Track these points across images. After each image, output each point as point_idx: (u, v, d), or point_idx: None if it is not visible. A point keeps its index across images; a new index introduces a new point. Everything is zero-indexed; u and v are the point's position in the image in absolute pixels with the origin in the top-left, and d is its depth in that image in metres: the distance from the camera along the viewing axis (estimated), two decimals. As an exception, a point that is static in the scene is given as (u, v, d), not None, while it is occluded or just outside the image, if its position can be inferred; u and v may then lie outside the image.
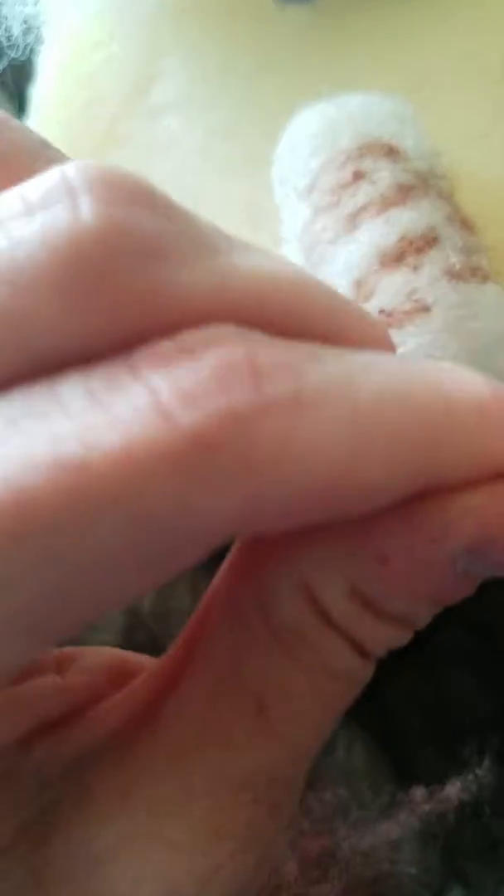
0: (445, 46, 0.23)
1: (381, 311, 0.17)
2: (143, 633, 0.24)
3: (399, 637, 0.12)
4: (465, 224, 0.18)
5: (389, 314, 0.17)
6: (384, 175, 0.18)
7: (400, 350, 0.17)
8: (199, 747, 0.11)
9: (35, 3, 0.23)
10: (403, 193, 0.18)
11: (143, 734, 0.11)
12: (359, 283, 0.18)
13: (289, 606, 0.10)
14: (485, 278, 0.17)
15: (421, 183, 0.18)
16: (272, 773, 0.11)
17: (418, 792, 0.21)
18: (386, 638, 0.11)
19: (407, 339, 0.17)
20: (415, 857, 0.22)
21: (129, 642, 0.24)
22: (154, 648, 0.13)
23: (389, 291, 0.17)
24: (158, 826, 0.11)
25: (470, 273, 0.17)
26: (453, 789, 0.21)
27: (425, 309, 0.17)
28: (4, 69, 0.23)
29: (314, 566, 0.10)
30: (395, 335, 0.17)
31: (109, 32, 0.25)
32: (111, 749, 0.11)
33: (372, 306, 0.17)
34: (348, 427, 0.09)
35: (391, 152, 0.18)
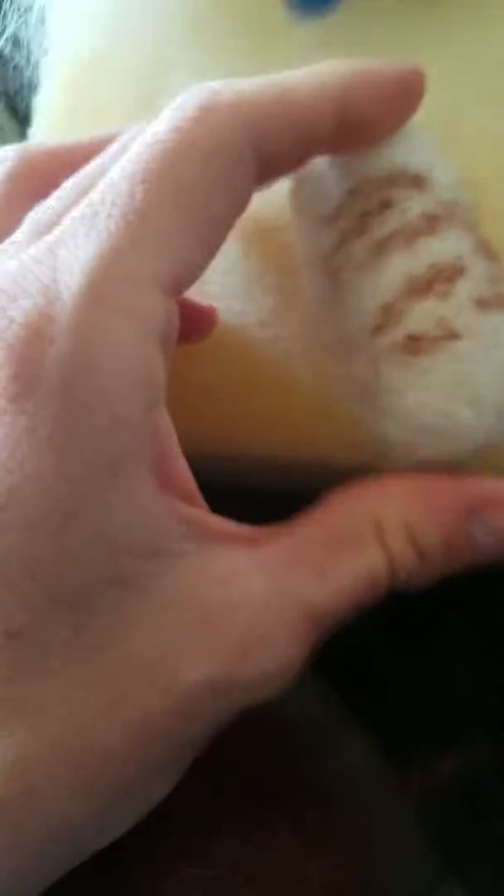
0: (459, 62, 0.23)
1: (410, 338, 0.17)
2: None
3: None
4: (490, 254, 0.18)
5: (418, 339, 0.17)
6: (412, 205, 0.18)
7: (427, 376, 0.17)
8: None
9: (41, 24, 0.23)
10: (431, 223, 0.18)
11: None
12: (386, 309, 0.18)
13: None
14: None
15: (447, 213, 0.18)
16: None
17: (415, 770, 0.22)
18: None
19: (437, 366, 0.17)
20: (414, 854, 0.23)
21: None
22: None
23: (418, 318, 0.17)
24: None
25: (496, 302, 0.17)
26: (444, 767, 0.22)
27: (454, 336, 0.17)
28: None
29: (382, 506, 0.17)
30: (425, 361, 0.17)
31: (115, 46, 0.25)
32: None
33: (400, 332, 0.17)
34: None
35: (418, 182, 0.18)
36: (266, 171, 0.17)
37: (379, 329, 0.18)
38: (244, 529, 0.17)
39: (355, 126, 0.17)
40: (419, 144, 0.19)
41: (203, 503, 0.17)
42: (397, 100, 0.18)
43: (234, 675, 0.15)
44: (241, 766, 0.23)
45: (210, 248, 0.16)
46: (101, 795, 0.14)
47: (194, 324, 0.21)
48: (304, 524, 0.17)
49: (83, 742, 0.14)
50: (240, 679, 0.15)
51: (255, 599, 0.16)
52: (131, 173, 0.15)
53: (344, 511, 0.17)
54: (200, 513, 0.16)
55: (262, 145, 0.16)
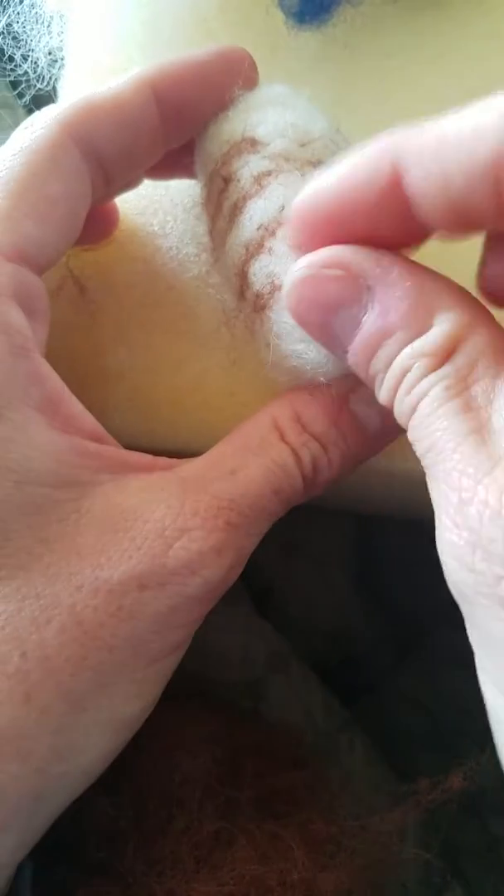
0: (454, 74, 0.23)
1: (257, 296, 0.19)
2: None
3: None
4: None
5: (260, 296, 0.19)
6: (244, 171, 0.19)
7: (274, 327, 0.19)
8: None
9: (60, 35, 0.24)
10: (259, 183, 0.19)
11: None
12: (239, 275, 0.20)
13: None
14: None
15: (276, 166, 0.19)
16: None
17: (423, 782, 0.22)
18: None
19: (276, 317, 0.18)
20: (416, 856, 0.23)
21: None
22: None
23: (256, 278, 0.19)
24: None
25: None
26: (456, 778, 0.21)
27: (281, 287, 0.18)
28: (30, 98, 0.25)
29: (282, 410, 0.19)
30: (270, 314, 0.19)
31: (128, 58, 0.26)
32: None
33: (251, 294, 0.19)
34: None
35: (253, 144, 0.19)
36: (105, 158, 0.20)
37: (241, 295, 0.20)
38: (160, 459, 0.19)
39: (177, 106, 0.20)
40: (252, 106, 0.20)
41: (113, 441, 0.19)
42: (214, 76, 0.20)
43: (160, 567, 0.16)
44: (250, 776, 0.23)
45: (52, 222, 0.19)
46: (46, 703, 0.15)
47: (99, 226, 0.24)
48: (216, 446, 0.19)
49: (20, 650, 0.15)
50: (166, 570, 0.16)
51: (171, 499, 0.17)
52: None
53: (248, 425, 0.19)
54: (111, 449, 0.18)
55: (84, 135, 0.19)
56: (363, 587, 0.38)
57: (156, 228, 0.25)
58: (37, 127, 0.19)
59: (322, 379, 0.19)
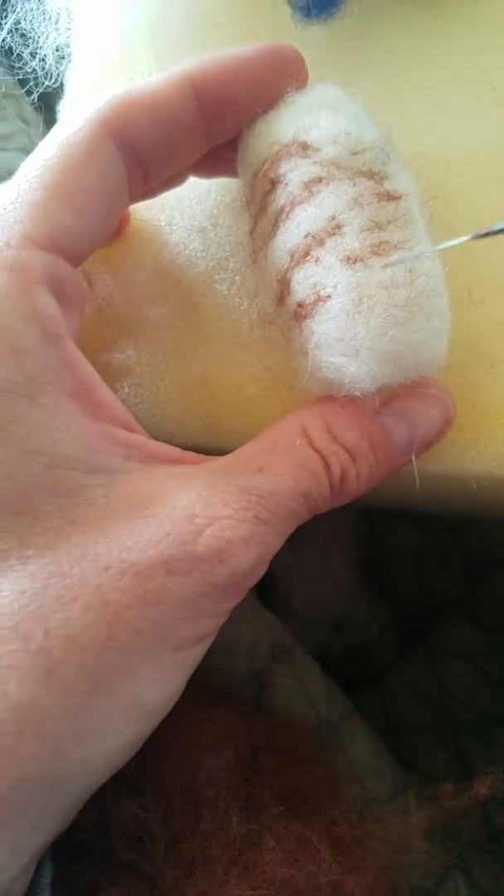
0: (461, 66, 0.23)
1: (299, 305, 0.19)
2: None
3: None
4: (380, 196, 0.18)
5: (303, 306, 0.19)
6: (294, 176, 0.19)
7: (314, 338, 0.18)
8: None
9: (67, 31, 0.24)
10: (310, 189, 0.18)
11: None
12: (281, 282, 0.19)
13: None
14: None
15: (327, 173, 0.18)
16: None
17: (447, 787, 0.22)
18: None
19: (318, 327, 0.18)
20: (419, 850, 0.23)
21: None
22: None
23: (300, 286, 0.19)
24: None
25: (372, 252, 0.18)
26: (482, 786, 0.21)
27: (327, 298, 0.18)
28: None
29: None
30: (310, 324, 0.18)
31: (135, 52, 0.26)
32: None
33: (292, 301, 0.19)
34: None
35: (304, 148, 0.19)
36: (142, 153, 0.20)
37: (281, 300, 0.20)
38: (188, 453, 0.19)
39: (218, 102, 0.19)
40: (304, 108, 0.19)
41: (142, 431, 0.19)
42: (260, 73, 0.19)
43: (189, 554, 0.16)
44: (270, 773, 0.23)
45: (87, 214, 0.19)
46: (68, 681, 0.14)
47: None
48: (243, 447, 0.19)
49: (44, 628, 0.15)
50: (195, 556, 0.16)
51: (201, 488, 0.17)
52: (18, 175, 0.19)
53: (276, 429, 0.19)
54: (140, 438, 0.19)
55: (121, 130, 0.19)
56: (368, 578, 0.39)
57: (163, 223, 0.25)
58: (74, 121, 0.19)
59: (358, 393, 0.18)
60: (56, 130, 0.19)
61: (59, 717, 0.14)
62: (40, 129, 0.31)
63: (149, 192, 0.22)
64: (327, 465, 0.18)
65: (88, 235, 0.19)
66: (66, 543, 0.16)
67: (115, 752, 0.16)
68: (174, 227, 0.24)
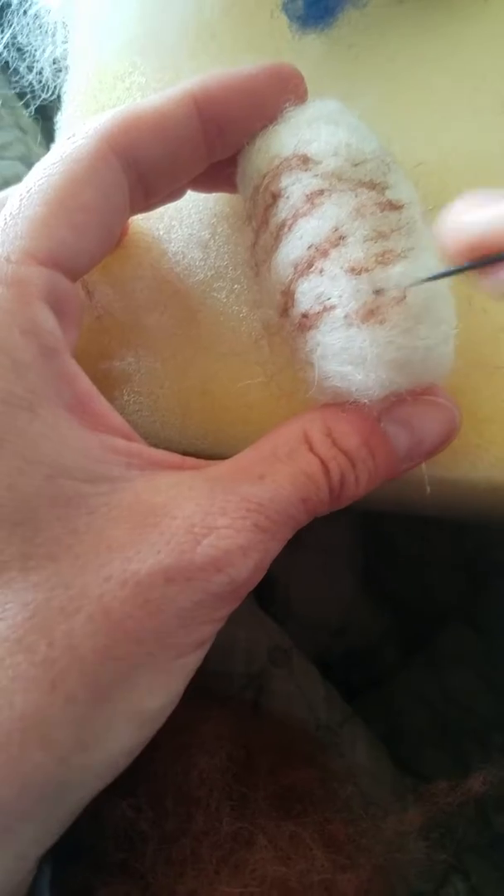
0: (459, 75, 0.23)
1: (303, 316, 0.19)
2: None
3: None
4: (382, 205, 0.18)
5: (307, 316, 0.19)
6: (295, 189, 0.19)
7: (320, 348, 0.19)
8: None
9: (63, 43, 0.24)
10: (311, 201, 0.19)
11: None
12: (285, 294, 0.19)
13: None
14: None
15: (329, 185, 0.18)
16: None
17: (441, 784, 0.22)
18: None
19: (323, 337, 0.18)
20: (418, 853, 0.23)
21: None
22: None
23: (304, 297, 0.19)
24: None
25: (376, 261, 0.18)
26: (476, 782, 0.21)
27: (331, 308, 0.18)
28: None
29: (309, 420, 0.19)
30: (315, 334, 0.19)
31: (132, 63, 0.26)
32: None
33: (296, 312, 0.19)
34: None
35: (305, 161, 0.19)
36: (145, 170, 0.20)
37: (284, 312, 0.20)
38: (188, 459, 0.19)
39: (220, 120, 0.20)
40: (304, 122, 0.20)
41: (141, 440, 0.20)
42: (261, 91, 0.20)
43: (187, 563, 0.16)
44: (264, 774, 0.23)
45: (88, 230, 0.19)
46: (72, 691, 0.15)
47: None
48: (243, 452, 0.19)
49: (47, 640, 0.15)
50: (194, 566, 0.16)
51: (200, 498, 0.17)
52: (20, 189, 0.19)
53: (277, 434, 0.19)
54: (139, 446, 0.19)
55: (125, 147, 0.19)
56: (369, 582, 0.39)
57: (161, 233, 0.25)
58: (78, 137, 0.19)
59: (365, 401, 0.19)
60: (60, 145, 0.19)
61: (63, 726, 0.15)
62: (38, 139, 0.31)
63: (149, 207, 0.22)
64: (327, 470, 0.18)
65: (88, 252, 0.19)
66: (68, 554, 0.16)
67: (117, 757, 0.16)
68: (173, 237, 0.25)
